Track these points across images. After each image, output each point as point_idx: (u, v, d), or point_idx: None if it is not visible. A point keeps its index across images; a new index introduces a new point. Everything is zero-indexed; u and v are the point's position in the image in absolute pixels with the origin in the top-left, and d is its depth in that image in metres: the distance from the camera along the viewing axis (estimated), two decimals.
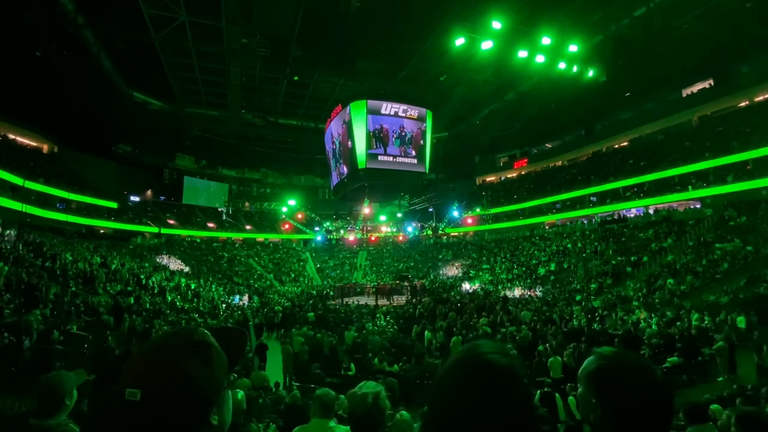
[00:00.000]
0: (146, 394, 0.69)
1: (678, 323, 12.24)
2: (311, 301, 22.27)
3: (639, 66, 26.94)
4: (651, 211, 26.53)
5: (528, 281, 25.85)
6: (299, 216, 34.64)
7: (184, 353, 0.74)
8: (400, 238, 37.08)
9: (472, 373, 0.69)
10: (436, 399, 0.71)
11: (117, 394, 0.70)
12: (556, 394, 6.84)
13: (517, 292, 24.59)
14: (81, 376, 1.81)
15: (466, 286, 28.70)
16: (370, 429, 1.52)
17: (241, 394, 2.70)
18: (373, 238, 37.80)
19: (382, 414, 1.54)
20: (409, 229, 35.76)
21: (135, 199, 36.84)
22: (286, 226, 36.18)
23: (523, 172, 42.13)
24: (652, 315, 13.90)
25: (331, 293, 26.93)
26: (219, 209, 41.81)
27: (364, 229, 36.10)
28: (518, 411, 0.66)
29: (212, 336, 0.81)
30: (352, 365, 9.80)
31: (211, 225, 38.89)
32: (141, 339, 9.07)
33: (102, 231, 30.26)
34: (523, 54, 22.42)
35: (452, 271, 33.91)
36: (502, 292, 24.38)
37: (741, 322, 11.88)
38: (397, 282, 27.83)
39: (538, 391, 6.86)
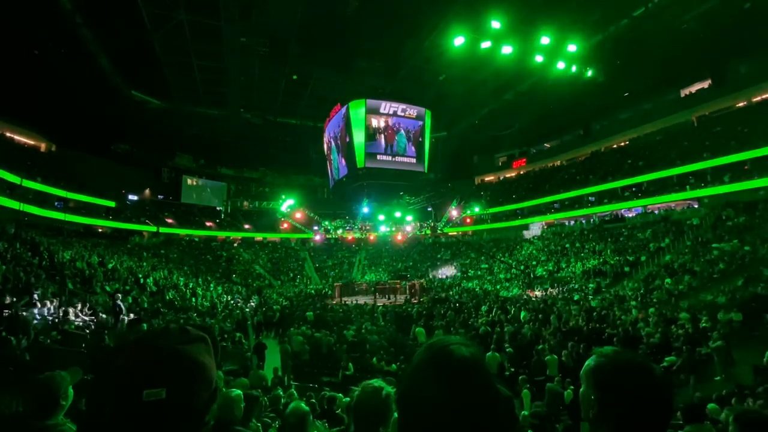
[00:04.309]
0: (172, 392, 0.66)
1: (678, 321, 12.28)
2: (309, 300, 22.28)
3: (637, 66, 27.02)
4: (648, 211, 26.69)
5: (526, 281, 25.89)
6: (298, 215, 34.62)
7: (198, 348, 0.74)
8: (399, 237, 37.12)
9: (435, 363, 0.71)
10: (404, 390, 0.74)
11: (127, 397, 0.65)
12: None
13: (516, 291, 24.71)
14: (76, 374, 1.80)
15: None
16: (373, 423, 1.51)
17: (237, 392, 2.69)
18: (372, 238, 37.84)
19: (388, 413, 1.53)
20: (408, 228, 35.84)
21: (133, 198, 36.75)
22: (285, 225, 36.30)
23: (521, 172, 42.21)
24: (650, 314, 13.91)
25: (330, 292, 26.94)
26: (217, 208, 41.77)
27: (363, 228, 36.13)
28: (481, 398, 0.68)
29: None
30: (350, 365, 9.79)
31: (209, 224, 38.85)
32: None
33: (100, 230, 30.19)
34: (522, 54, 22.44)
35: (450, 271, 33.97)
36: (502, 292, 24.45)
37: (737, 316, 11.98)
38: (396, 281, 27.87)
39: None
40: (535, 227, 34.05)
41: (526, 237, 33.58)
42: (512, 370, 9.37)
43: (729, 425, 1.32)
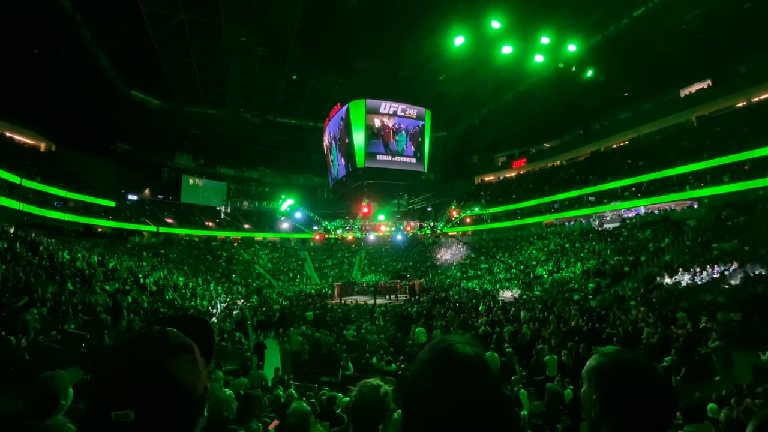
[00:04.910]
0: (143, 414, 0.59)
1: (678, 322, 12.27)
2: (309, 300, 22.26)
3: (637, 66, 27.01)
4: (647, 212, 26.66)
5: (526, 281, 25.87)
6: (298, 214, 34.74)
7: (177, 361, 0.65)
8: (399, 237, 37.21)
9: (439, 362, 0.72)
10: (408, 389, 0.74)
11: (97, 419, 0.59)
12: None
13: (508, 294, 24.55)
14: (76, 374, 1.80)
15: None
16: (372, 422, 1.51)
17: (227, 392, 2.69)
18: (372, 238, 37.88)
19: (387, 410, 1.54)
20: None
21: (133, 197, 36.75)
22: (285, 225, 36.40)
23: (521, 172, 42.18)
24: (650, 314, 13.91)
25: (329, 292, 26.94)
26: (217, 208, 41.78)
27: (363, 228, 36.13)
28: (486, 397, 0.68)
29: (181, 331, 0.72)
30: (350, 364, 9.79)
31: (209, 224, 38.84)
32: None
33: (100, 230, 30.17)
34: (522, 54, 22.44)
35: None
36: (502, 293, 24.43)
37: (737, 316, 11.97)
38: (396, 281, 27.89)
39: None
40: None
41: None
42: (523, 373, 9.34)
43: (748, 425, 1.29)
